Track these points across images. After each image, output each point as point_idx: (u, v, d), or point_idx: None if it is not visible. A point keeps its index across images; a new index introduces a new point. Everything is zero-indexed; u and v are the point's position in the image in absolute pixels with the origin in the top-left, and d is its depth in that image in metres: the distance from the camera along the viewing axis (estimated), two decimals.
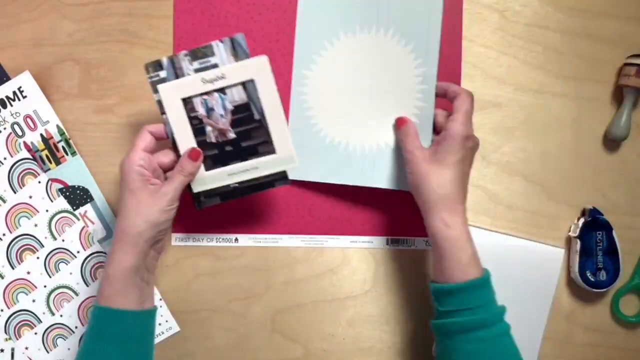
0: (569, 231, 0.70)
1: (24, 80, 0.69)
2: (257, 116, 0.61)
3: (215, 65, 0.61)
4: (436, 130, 0.64)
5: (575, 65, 0.71)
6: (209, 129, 0.61)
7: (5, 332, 0.70)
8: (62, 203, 0.70)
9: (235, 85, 0.61)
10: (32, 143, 0.70)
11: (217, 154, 0.62)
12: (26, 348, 0.71)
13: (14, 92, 0.69)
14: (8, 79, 0.69)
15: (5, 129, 0.70)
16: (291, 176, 0.65)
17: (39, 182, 0.70)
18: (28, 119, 0.70)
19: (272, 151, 0.62)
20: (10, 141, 0.70)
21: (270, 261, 0.71)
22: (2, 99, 0.69)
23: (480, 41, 0.71)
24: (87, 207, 0.71)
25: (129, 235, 0.56)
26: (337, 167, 0.68)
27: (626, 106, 0.69)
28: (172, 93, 0.61)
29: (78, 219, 0.71)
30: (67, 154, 0.70)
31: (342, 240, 0.71)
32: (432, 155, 0.60)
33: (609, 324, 0.71)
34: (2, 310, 0.70)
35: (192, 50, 0.60)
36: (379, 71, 0.67)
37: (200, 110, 0.61)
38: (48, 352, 0.71)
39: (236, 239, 0.71)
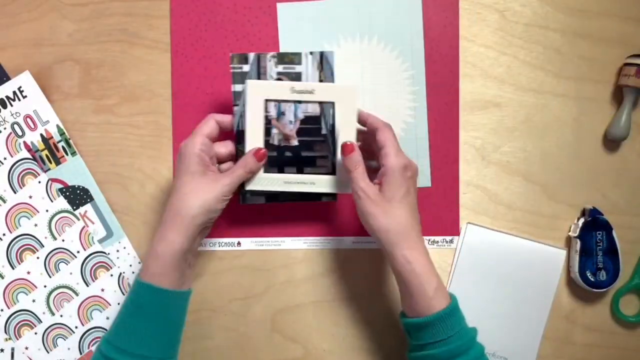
0: (569, 231, 0.70)
1: (24, 80, 0.69)
2: (324, 131, 0.63)
3: (298, 74, 0.63)
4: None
5: (575, 65, 0.71)
6: (275, 131, 0.63)
7: (5, 332, 0.70)
8: (62, 203, 0.70)
9: (319, 102, 0.62)
10: (32, 143, 0.70)
11: (275, 156, 0.63)
12: (26, 348, 0.71)
13: (14, 92, 0.69)
14: (8, 79, 0.69)
15: (5, 129, 0.70)
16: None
17: (39, 182, 0.70)
18: (28, 119, 0.70)
19: (329, 171, 0.63)
20: (10, 141, 0.70)
21: (270, 261, 0.71)
22: (2, 99, 0.69)
23: (480, 41, 0.71)
24: (87, 207, 0.71)
25: (185, 218, 0.58)
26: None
27: (626, 106, 0.69)
28: (258, 91, 0.61)
29: (78, 219, 0.71)
30: (67, 154, 0.70)
31: (344, 241, 0.71)
32: (379, 194, 0.59)
33: (609, 324, 0.71)
34: (2, 310, 0.70)
35: (280, 53, 0.63)
36: (369, 77, 0.68)
37: (272, 112, 0.62)
38: (48, 352, 0.71)
39: (239, 243, 0.71)
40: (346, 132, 0.62)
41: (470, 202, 0.71)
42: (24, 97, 0.69)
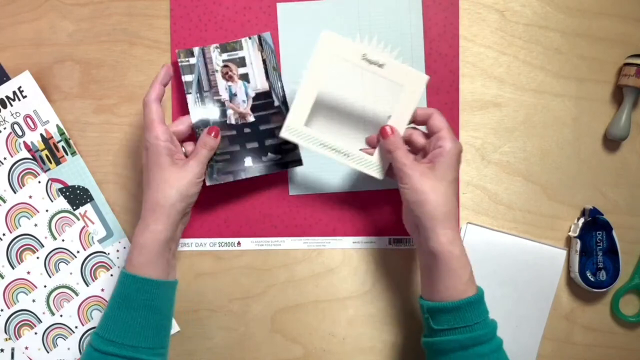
0: (569, 231, 0.70)
1: (24, 80, 0.69)
2: (277, 103, 0.67)
3: (242, 58, 0.67)
4: (414, 150, 0.63)
5: (575, 65, 0.71)
6: (230, 112, 0.67)
7: (5, 332, 0.70)
8: (62, 203, 0.70)
9: (386, 79, 0.62)
10: (32, 143, 0.70)
11: (235, 134, 0.67)
12: (26, 348, 0.71)
13: (14, 92, 0.69)
14: (8, 79, 0.69)
15: (5, 129, 0.70)
16: (295, 192, 0.69)
17: (39, 182, 0.70)
18: (28, 119, 0.70)
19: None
20: (10, 141, 0.70)
21: (270, 261, 0.71)
22: (2, 99, 0.69)
23: (480, 41, 0.71)
24: (87, 207, 0.71)
25: (164, 207, 0.59)
26: (341, 176, 0.70)
27: (626, 106, 0.69)
28: (331, 46, 0.61)
29: (78, 219, 0.71)
30: (67, 154, 0.70)
31: (344, 241, 0.71)
32: (430, 171, 0.58)
33: (609, 324, 0.71)
34: (2, 310, 0.70)
35: (222, 44, 0.67)
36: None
37: (224, 95, 0.67)
38: (48, 352, 0.71)
39: (239, 243, 0.71)
40: (400, 117, 0.62)
41: (470, 202, 0.71)
42: (24, 97, 0.69)
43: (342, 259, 0.71)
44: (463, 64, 0.70)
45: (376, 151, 0.63)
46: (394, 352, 0.71)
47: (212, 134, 0.64)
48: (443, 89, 0.70)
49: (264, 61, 0.68)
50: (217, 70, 0.67)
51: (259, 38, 0.67)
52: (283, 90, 0.67)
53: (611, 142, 0.71)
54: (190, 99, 0.67)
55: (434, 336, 0.58)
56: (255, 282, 0.71)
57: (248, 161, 0.67)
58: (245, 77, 0.67)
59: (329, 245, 0.71)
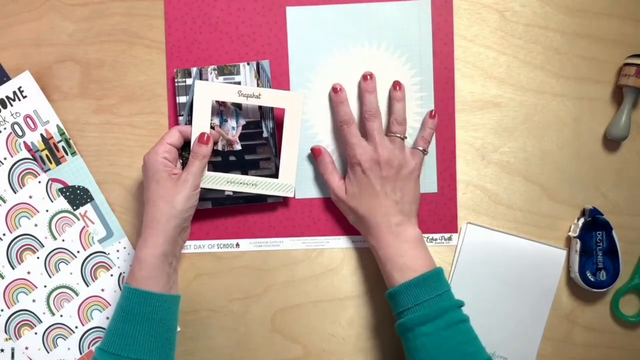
0: (569, 231, 0.70)
1: (24, 80, 0.69)
2: (265, 134, 0.67)
3: (238, 83, 0.67)
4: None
5: (575, 65, 0.71)
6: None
7: (6, 332, 0.70)
8: (62, 203, 0.70)
9: (265, 107, 0.66)
10: (32, 143, 0.70)
11: (220, 161, 0.67)
12: (26, 348, 0.71)
13: (14, 92, 0.69)
14: (8, 79, 0.69)
15: (5, 129, 0.70)
16: (298, 195, 0.70)
17: (39, 182, 0.70)
18: (28, 119, 0.70)
19: (273, 174, 0.67)
20: (10, 141, 0.70)
21: (270, 261, 0.71)
22: (2, 99, 0.69)
23: (480, 41, 0.71)
24: (87, 207, 0.71)
25: (160, 223, 0.61)
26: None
27: (626, 106, 0.69)
28: (206, 91, 0.64)
29: (78, 219, 0.71)
30: (67, 154, 0.70)
31: (342, 240, 0.71)
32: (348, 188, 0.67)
33: (609, 324, 0.71)
34: (2, 310, 0.70)
35: (220, 66, 0.67)
36: (377, 83, 0.68)
37: (215, 120, 0.66)
38: (48, 352, 0.71)
39: (237, 244, 0.71)
40: (292, 133, 0.65)
41: (470, 202, 0.71)
42: (24, 97, 0.69)
43: (341, 259, 0.71)
44: (463, 64, 0.70)
45: (280, 172, 0.66)
46: (393, 352, 0.71)
47: (204, 141, 0.64)
48: (439, 87, 0.70)
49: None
50: None
51: (257, 65, 0.67)
52: (274, 122, 0.67)
53: (611, 142, 0.71)
54: (182, 121, 0.67)
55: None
56: (255, 282, 0.71)
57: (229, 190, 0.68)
58: (237, 104, 0.67)
59: (327, 245, 0.71)
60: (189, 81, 0.67)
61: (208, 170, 0.66)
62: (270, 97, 0.65)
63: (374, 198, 0.64)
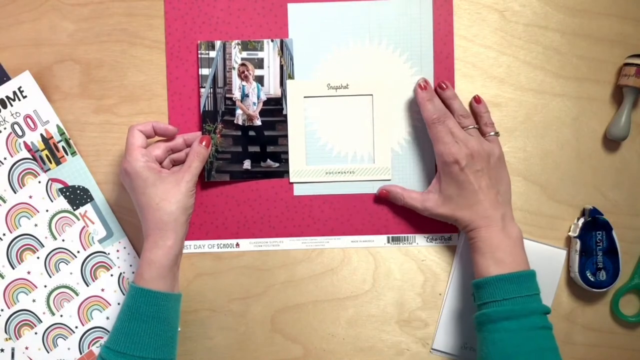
0: (569, 231, 0.70)
1: (24, 80, 0.69)
2: (285, 111, 0.68)
3: (261, 59, 0.68)
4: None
5: (575, 65, 0.71)
6: (239, 112, 0.68)
7: (6, 332, 0.70)
8: (62, 203, 0.70)
9: (356, 95, 0.68)
10: (32, 143, 0.70)
11: (240, 135, 0.69)
12: (26, 348, 0.71)
13: (14, 92, 0.69)
14: (8, 79, 0.69)
15: (5, 129, 0.70)
16: (297, 193, 0.70)
17: (39, 182, 0.70)
18: (28, 119, 0.70)
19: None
20: (10, 141, 0.70)
21: (270, 261, 0.71)
22: (2, 99, 0.69)
23: (480, 41, 0.71)
24: (87, 207, 0.71)
25: (169, 224, 0.61)
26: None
27: (626, 106, 0.69)
28: (297, 89, 0.68)
29: (78, 219, 0.71)
30: (67, 154, 0.70)
31: (342, 240, 0.71)
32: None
33: (609, 324, 0.71)
34: (2, 310, 0.70)
35: (244, 41, 0.68)
36: (378, 80, 0.68)
37: (236, 94, 0.68)
38: (48, 352, 0.71)
39: (237, 244, 0.71)
40: (382, 122, 0.68)
41: None
42: (24, 97, 0.69)
43: (341, 259, 0.71)
44: (463, 64, 0.70)
45: (375, 157, 0.67)
46: (393, 352, 0.71)
47: (204, 144, 0.65)
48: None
49: (281, 67, 0.68)
50: (234, 68, 0.68)
51: (281, 42, 0.68)
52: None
53: (611, 142, 0.71)
54: (204, 92, 0.68)
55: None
56: (255, 282, 0.71)
57: (247, 164, 0.69)
58: (260, 80, 0.68)
59: (327, 245, 0.71)
60: (212, 53, 0.68)
61: (226, 142, 0.68)
62: (358, 85, 0.68)
63: (474, 195, 0.63)
